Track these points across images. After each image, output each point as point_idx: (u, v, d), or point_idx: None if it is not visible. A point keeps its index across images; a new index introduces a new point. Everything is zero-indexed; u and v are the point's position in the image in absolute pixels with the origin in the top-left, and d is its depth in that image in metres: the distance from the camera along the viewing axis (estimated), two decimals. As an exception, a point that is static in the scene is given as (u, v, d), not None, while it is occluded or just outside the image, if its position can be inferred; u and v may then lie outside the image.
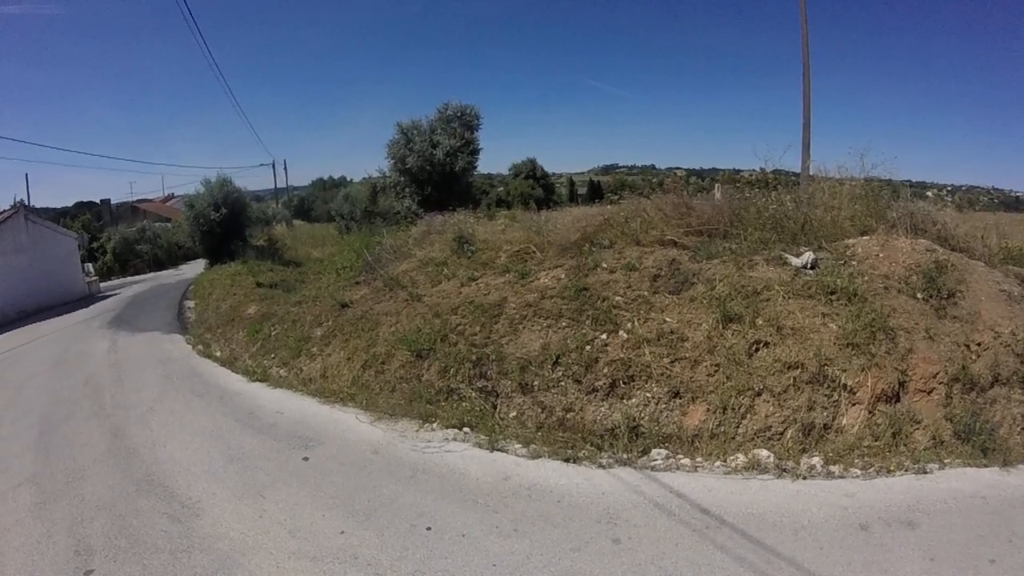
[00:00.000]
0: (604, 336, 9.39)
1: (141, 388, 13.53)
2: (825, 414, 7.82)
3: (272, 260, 34.58)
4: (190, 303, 28.40)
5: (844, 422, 7.80)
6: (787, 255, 10.21)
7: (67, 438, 10.55)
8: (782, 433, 7.74)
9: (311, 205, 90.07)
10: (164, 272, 53.43)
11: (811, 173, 14.67)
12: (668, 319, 9.28)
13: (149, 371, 15.38)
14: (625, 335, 9.27)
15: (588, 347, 9.28)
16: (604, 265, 10.96)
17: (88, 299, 35.58)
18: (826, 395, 7.94)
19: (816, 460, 7.21)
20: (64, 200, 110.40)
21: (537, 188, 71.03)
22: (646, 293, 9.95)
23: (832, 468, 7.12)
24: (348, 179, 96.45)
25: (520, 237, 14.17)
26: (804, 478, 6.93)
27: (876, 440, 7.49)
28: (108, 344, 20.11)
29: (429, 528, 6.36)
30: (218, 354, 16.65)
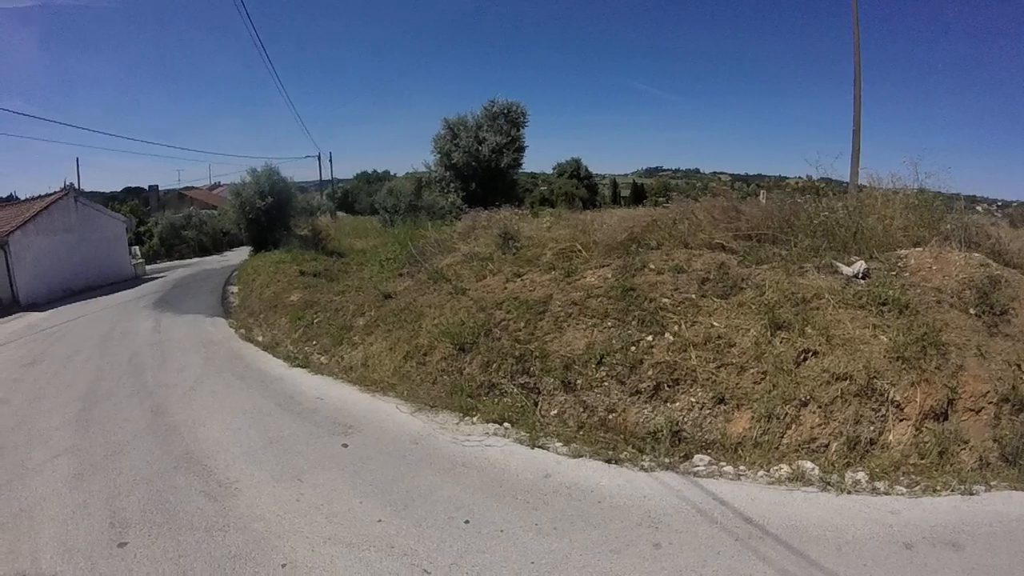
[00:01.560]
0: (650, 338, 9.29)
1: (183, 368, 13.77)
2: (872, 428, 7.61)
3: (316, 250, 34.99)
4: (233, 288, 28.81)
5: (890, 438, 7.57)
6: (838, 263, 10.04)
7: (108, 414, 10.73)
8: (826, 446, 7.56)
9: (355, 198, 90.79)
10: (209, 258, 54.25)
11: (861, 181, 14.43)
12: (715, 323, 9.15)
13: (192, 352, 15.66)
14: (671, 338, 9.17)
15: (633, 348, 9.19)
16: (652, 266, 10.84)
17: (134, 280, 36.44)
18: (873, 409, 7.73)
19: (861, 475, 7.04)
20: (113, 185, 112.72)
21: (581, 188, 71.18)
22: (694, 296, 9.82)
23: (877, 484, 6.93)
24: (391, 173, 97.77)
25: (566, 235, 14.12)
26: (848, 492, 6.76)
27: (922, 458, 7.26)
28: (152, 324, 20.52)
29: (467, 521, 6.34)
30: (260, 339, 16.89)
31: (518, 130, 32.09)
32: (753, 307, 9.22)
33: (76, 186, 38.72)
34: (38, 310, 27.15)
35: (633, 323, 9.62)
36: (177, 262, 51.88)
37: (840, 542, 5.74)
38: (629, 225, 13.14)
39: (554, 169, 79.66)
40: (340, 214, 68.26)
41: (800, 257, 10.40)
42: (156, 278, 37.62)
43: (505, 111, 32.06)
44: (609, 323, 9.81)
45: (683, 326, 9.29)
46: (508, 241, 14.87)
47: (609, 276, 10.97)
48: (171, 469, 8.06)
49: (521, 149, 32.38)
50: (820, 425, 7.69)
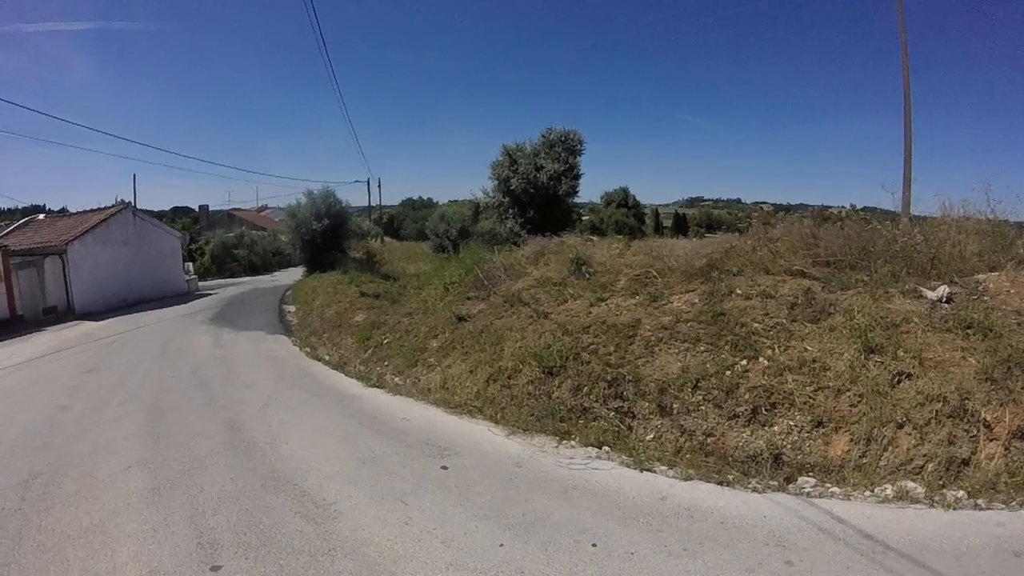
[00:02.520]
0: (744, 362, 9.43)
1: (252, 384, 13.93)
2: (964, 448, 7.69)
3: (370, 272, 35.35)
4: (290, 307, 29.32)
5: (982, 457, 7.66)
6: (922, 288, 10.19)
7: (178, 426, 10.81)
8: (922, 466, 7.65)
9: (399, 223, 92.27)
10: (259, 277, 55.14)
11: (932, 210, 14.47)
12: (809, 347, 9.29)
13: (258, 368, 15.92)
14: (766, 362, 9.31)
15: (728, 372, 9.33)
16: (739, 291, 11.02)
17: (187, 296, 37.67)
18: (965, 430, 7.81)
19: (961, 493, 7.18)
20: (161, 204, 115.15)
21: (630, 217, 71.56)
22: (784, 321, 9.96)
23: (978, 501, 7.07)
24: (435, 200, 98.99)
25: (640, 261, 14.28)
26: (954, 508, 6.89)
27: (1012, 476, 7.37)
28: (212, 339, 20.98)
29: (595, 545, 6.25)
30: (327, 357, 17.17)
31: (575, 157, 32.40)
32: (844, 331, 9.34)
33: (133, 202, 39.70)
34: (93, 319, 28.10)
35: (726, 347, 9.77)
36: (228, 280, 52.90)
37: (957, 553, 5.91)
38: (707, 252, 13.33)
39: (602, 198, 80.00)
40: (386, 239, 69.17)
41: (882, 283, 10.52)
42: (209, 294, 38.45)
43: (562, 139, 32.41)
44: (702, 347, 9.97)
45: (776, 350, 9.44)
46: (581, 266, 15.01)
47: (696, 301, 11.15)
48: (259, 488, 7.92)
49: (578, 177, 32.67)
50: (916, 446, 7.79)
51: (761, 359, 9.42)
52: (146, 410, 11.91)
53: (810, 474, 7.91)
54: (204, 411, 11.74)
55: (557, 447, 9.26)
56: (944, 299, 9.83)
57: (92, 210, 36.56)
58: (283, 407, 11.89)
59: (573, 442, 9.34)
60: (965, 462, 7.66)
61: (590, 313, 12.18)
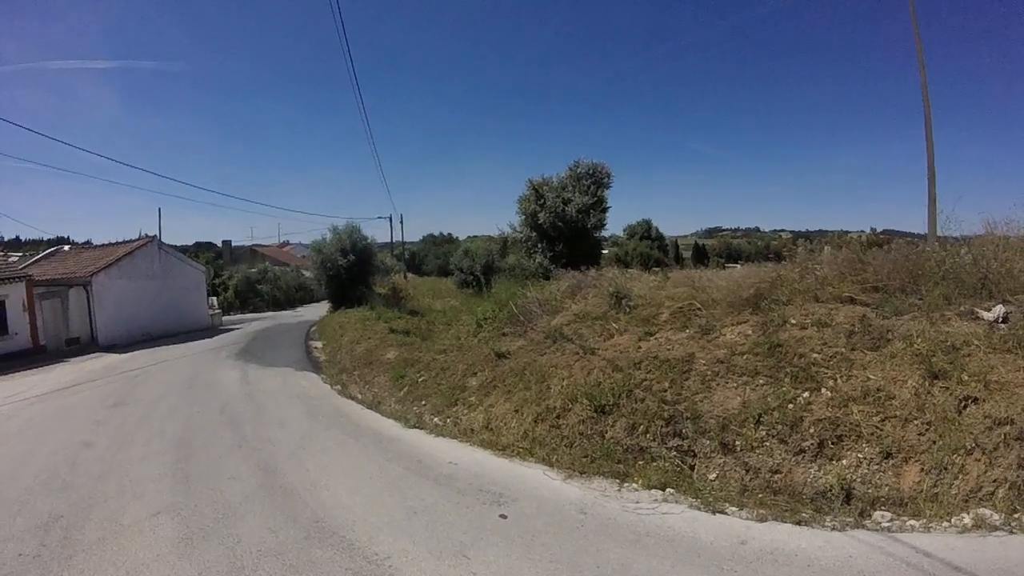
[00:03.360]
0: (806, 394, 9.32)
1: (284, 423, 13.72)
2: None
3: (396, 308, 35.43)
4: (316, 343, 29.44)
5: None
6: (978, 309, 10.08)
7: (209, 468, 10.50)
8: (992, 492, 7.49)
9: (422, 260, 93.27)
10: (282, 312, 55.67)
11: (977, 229, 14.33)
12: (871, 376, 9.16)
13: (289, 406, 15.70)
14: (829, 393, 9.19)
15: (791, 405, 9.22)
16: (793, 321, 10.92)
17: (211, 330, 38.19)
18: None
19: None
20: (184, 239, 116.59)
21: (654, 249, 72.21)
22: (843, 350, 9.84)
23: None
24: (455, 236, 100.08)
25: (682, 294, 14.16)
26: (1033, 533, 6.74)
27: None
28: (239, 375, 20.90)
29: None
30: (359, 396, 17.09)
31: (603, 190, 32.49)
32: (906, 357, 9.23)
33: (158, 236, 40.14)
34: (116, 352, 28.42)
35: (786, 380, 9.66)
36: (251, 315, 53.53)
37: (1044, 576, 5.77)
38: (752, 282, 13.22)
39: (625, 230, 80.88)
40: (409, 275, 69.79)
41: (936, 305, 10.42)
42: (233, 329, 38.83)
43: (590, 172, 32.53)
44: (760, 380, 9.87)
45: (838, 380, 9.32)
46: (621, 300, 14.94)
47: (750, 333, 11.06)
48: (302, 540, 7.49)
49: (605, 210, 32.74)
50: (986, 472, 7.63)
51: (823, 390, 9.30)
52: (174, 449, 11.71)
53: (884, 507, 7.77)
54: (235, 452, 11.47)
55: (619, 490, 8.97)
56: (1001, 319, 9.73)
57: (117, 243, 37.37)
58: (319, 449, 11.60)
59: (635, 484, 9.08)
60: (1032, 486, 7.51)
61: (639, 348, 12.07)
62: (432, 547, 7.23)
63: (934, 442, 8.09)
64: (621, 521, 7.87)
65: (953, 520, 7.31)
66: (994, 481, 7.55)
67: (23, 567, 6.91)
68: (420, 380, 16.54)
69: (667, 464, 9.40)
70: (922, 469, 7.97)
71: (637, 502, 8.48)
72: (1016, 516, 7.10)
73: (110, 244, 37.67)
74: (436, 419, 13.83)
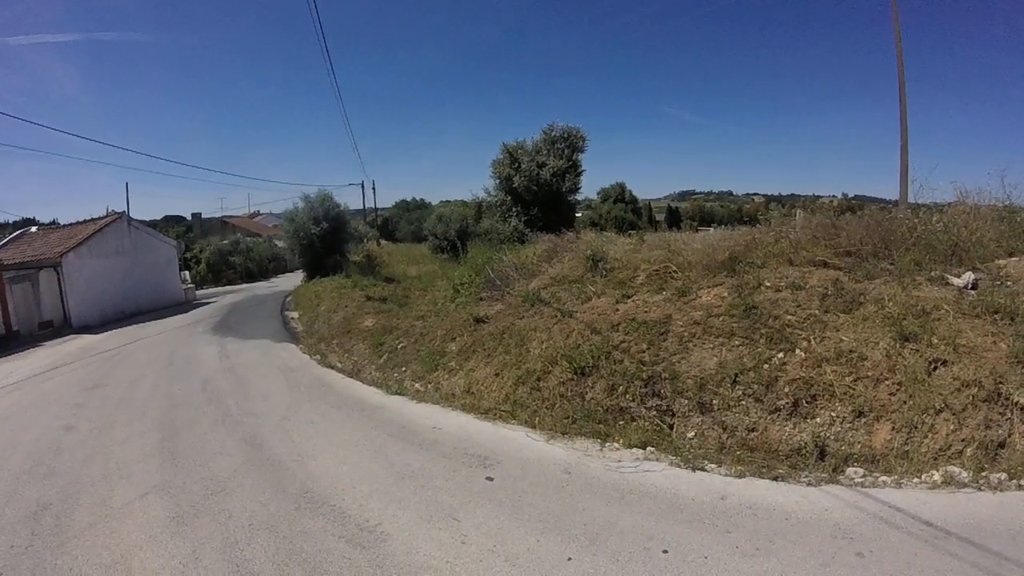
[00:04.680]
0: (781, 355, 9.51)
1: (267, 396, 13.69)
2: (1000, 432, 7.80)
3: (371, 276, 35.31)
4: (292, 314, 29.30)
5: (1016, 439, 7.77)
6: (948, 276, 10.34)
7: (195, 445, 10.42)
8: (961, 451, 7.75)
9: (395, 226, 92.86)
10: (257, 284, 54.98)
11: (949, 197, 14.55)
12: (844, 338, 9.37)
13: (271, 379, 15.67)
14: (803, 354, 9.39)
15: (766, 366, 9.41)
16: (767, 284, 11.11)
17: (185, 305, 37.84)
18: (1000, 413, 7.93)
19: (1002, 475, 7.31)
20: (153, 214, 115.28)
21: (629, 212, 72.04)
22: (817, 312, 10.04)
23: (1020, 481, 7.19)
24: (428, 202, 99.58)
25: (658, 256, 14.31)
26: (1001, 491, 7.02)
27: None
28: (217, 349, 20.78)
29: (666, 551, 6.11)
30: (339, 365, 17.05)
31: (577, 154, 32.40)
32: (878, 320, 9.47)
33: (126, 212, 39.63)
34: (91, 332, 28.03)
35: (761, 341, 9.86)
36: (225, 288, 52.93)
37: (1013, 532, 6.06)
38: (727, 245, 13.39)
39: (598, 194, 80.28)
40: (383, 241, 69.41)
41: (907, 271, 10.67)
42: (208, 303, 38.49)
43: (564, 136, 32.37)
44: (736, 341, 10.06)
45: (812, 342, 9.52)
46: (597, 263, 15.08)
47: (726, 295, 11.23)
48: (293, 511, 7.49)
49: (580, 173, 32.67)
50: (955, 431, 7.89)
51: (798, 351, 9.50)
52: (158, 428, 11.63)
53: (857, 464, 8.01)
54: (220, 427, 11.43)
55: (601, 450, 9.15)
56: (970, 285, 10.01)
57: (84, 221, 36.55)
58: (304, 420, 11.61)
59: (616, 444, 9.28)
60: (1001, 445, 7.78)
61: (617, 311, 12.20)
62: (421, 512, 7.33)
63: (904, 402, 8.32)
64: (605, 480, 8.03)
65: (923, 477, 7.57)
66: (962, 440, 7.82)
67: (16, 559, 6.82)
68: (399, 347, 16.61)
69: (647, 424, 9.60)
70: (893, 428, 8.20)
71: (619, 461, 8.67)
72: (983, 474, 7.36)
73: (78, 223, 36.82)
74: (417, 385, 13.91)
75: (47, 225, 46.94)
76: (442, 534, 6.74)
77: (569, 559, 6.10)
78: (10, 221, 70.73)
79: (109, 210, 38.15)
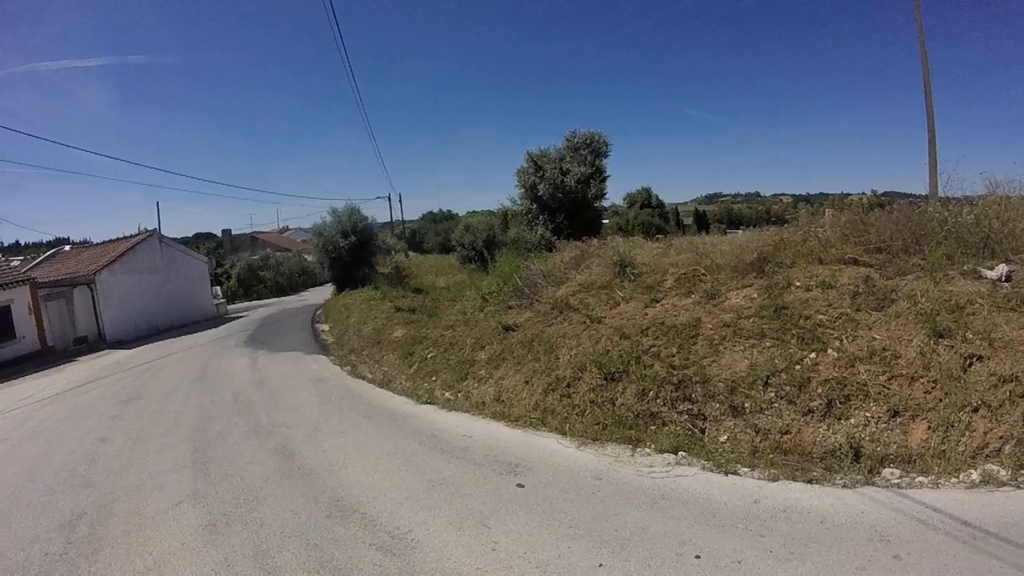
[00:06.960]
0: (813, 355, 9.39)
1: (298, 407, 13.77)
2: None
3: (400, 287, 35.47)
4: (323, 326, 29.44)
5: None
6: (981, 268, 10.16)
7: (227, 455, 10.58)
8: (999, 449, 7.59)
9: (422, 237, 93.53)
10: (287, 298, 55.58)
11: (979, 188, 14.36)
12: (877, 336, 9.24)
13: (302, 390, 15.76)
14: (835, 354, 9.27)
15: (798, 367, 9.29)
16: (797, 283, 11.01)
17: (217, 320, 38.51)
18: None
19: None
20: (184, 231, 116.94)
21: (656, 217, 71.80)
22: (848, 311, 9.92)
23: None
24: (455, 213, 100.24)
25: (686, 260, 14.25)
26: (1041, 488, 6.83)
27: None
28: (248, 362, 20.94)
29: (698, 556, 6.05)
30: (369, 375, 17.11)
31: (601, 160, 32.36)
32: (910, 317, 9.31)
33: (158, 229, 40.22)
34: (125, 347, 28.57)
35: (792, 341, 9.75)
36: (256, 302, 53.57)
37: (1052, 530, 5.92)
38: (755, 246, 13.29)
39: (625, 199, 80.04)
40: (411, 253, 69.78)
41: (939, 265, 10.49)
42: (238, 317, 38.90)
43: (588, 141, 32.34)
44: (767, 343, 9.96)
45: (844, 341, 9.40)
46: (625, 268, 15.02)
47: (755, 296, 11.15)
48: (324, 519, 7.58)
49: (605, 179, 32.61)
50: (992, 429, 7.73)
51: (830, 351, 9.38)
52: (190, 439, 11.81)
53: (893, 465, 7.87)
54: (252, 438, 11.55)
55: (632, 456, 9.09)
56: (1004, 277, 9.80)
57: (117, 239, 37.40)
58: (334, 430, 11.65)
59: (647, 449, 9.21)
60: (1038, 441, 7.61)
61: (646, 315, 12.16)
62: (452, 519, 7.34)
63: (940, 400, 8.17)
64: (636, 485, 7.98)
65: (961, 476, 7.42)
66: (1000, 437, 7.65)
67: (50, 566, 6.98)
68: (429, 356, 16.59)
69: (678, 428, 9.51)
70: (929, 427, 8.06)
71: (651, 466, 8.60)
72: (1023, 472, 7.20)
73: (110, 241, 37.69)
74: (447, 394, 13.91)
75: (80, 244, 47.63)
76: (472, 541, 6.77)
77: (600, 565, 6.06)
78: (44, 241, 71.95)
79: (141, 228, 38.85)
